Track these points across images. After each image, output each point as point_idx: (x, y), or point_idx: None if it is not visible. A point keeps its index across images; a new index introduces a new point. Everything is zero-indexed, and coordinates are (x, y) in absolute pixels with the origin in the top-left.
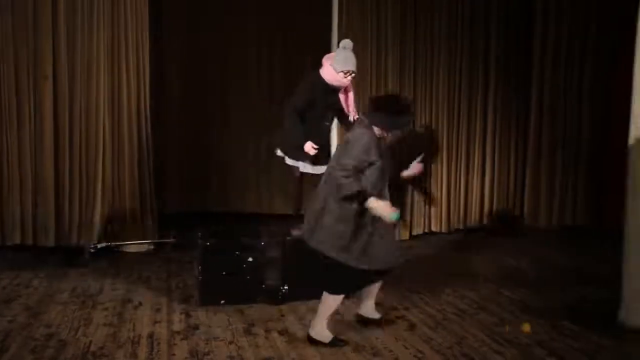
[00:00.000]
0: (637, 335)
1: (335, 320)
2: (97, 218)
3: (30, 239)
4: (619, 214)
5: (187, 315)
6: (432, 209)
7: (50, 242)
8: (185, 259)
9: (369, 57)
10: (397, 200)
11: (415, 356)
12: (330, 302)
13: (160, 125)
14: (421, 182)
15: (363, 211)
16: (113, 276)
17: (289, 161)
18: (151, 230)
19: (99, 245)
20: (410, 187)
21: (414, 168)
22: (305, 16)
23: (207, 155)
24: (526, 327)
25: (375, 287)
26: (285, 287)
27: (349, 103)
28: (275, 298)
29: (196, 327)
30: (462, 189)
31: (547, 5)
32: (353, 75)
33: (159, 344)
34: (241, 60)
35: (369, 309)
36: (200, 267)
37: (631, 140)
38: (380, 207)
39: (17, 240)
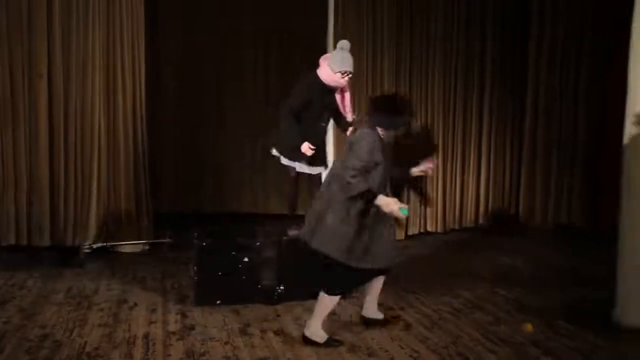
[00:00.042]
0: (632, 335)
1: (331, 320)
2: (93, 218)
3: (25, 239)
4: (614, 215)
5: (183, 315)
6: (428, 209)
7: (45, 242)
8: (181, 259)
9: (365, 58)
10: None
11: (410, 356)
12: (327, 302)
13: (156, 126)
14: (417, 182)
15: (366, 212)
16: (108, 276)
17: (284, 161)
18: (147, 230)
19: (94, 246)
20: (406, 188)
21: (425, 165)
22: (301, 17)
23: (203, 155)
24: (528, 327)
25: (377, 288)
26: (281, 287)
27: (345, 103)
28: (271, 298)
29: (192, 328)
30: (457, 189)
31: (543, 7)
32: (350, 75)
33: (154, 344)
34: (237, 61)
35: (372, 310)
36: (196, 267)
37: (625, 141)
38: (390, 203)
39: (12, 241)
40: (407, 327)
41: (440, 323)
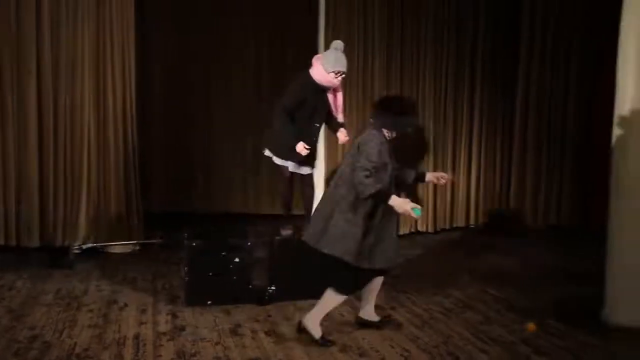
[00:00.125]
0: (620, 334)
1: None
2: (82, 218)
3: (13, 240)
4: (605, 214)
5: (174, 316)
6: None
7: (34, 242)
8: (171, 260)
9: (356, 59)
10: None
11: (401, 355)
12: (333, 299)
13: (147, 125)
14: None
15: (373, 213)
16: (98, 277)
17: (277, 161)
18: (137, 230)
19: (84, 246)
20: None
21: (439, 175)
22: (292, 17)
23: (194, 155)
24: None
25: (376, 289)
26: (272, 288)
27: (337, 104)
28: (262, 298)
29: (182, 328)
30: (448, 188)
31: (533, 9)
32: (343, 75)
33: (144, 345)
34: (227, 60)
35: (369, 312)
36: (186, 268)
37: (614, 141)
38: (402, 204)
39: (1, 241)
40: (398, 326)
41: (431, 322)
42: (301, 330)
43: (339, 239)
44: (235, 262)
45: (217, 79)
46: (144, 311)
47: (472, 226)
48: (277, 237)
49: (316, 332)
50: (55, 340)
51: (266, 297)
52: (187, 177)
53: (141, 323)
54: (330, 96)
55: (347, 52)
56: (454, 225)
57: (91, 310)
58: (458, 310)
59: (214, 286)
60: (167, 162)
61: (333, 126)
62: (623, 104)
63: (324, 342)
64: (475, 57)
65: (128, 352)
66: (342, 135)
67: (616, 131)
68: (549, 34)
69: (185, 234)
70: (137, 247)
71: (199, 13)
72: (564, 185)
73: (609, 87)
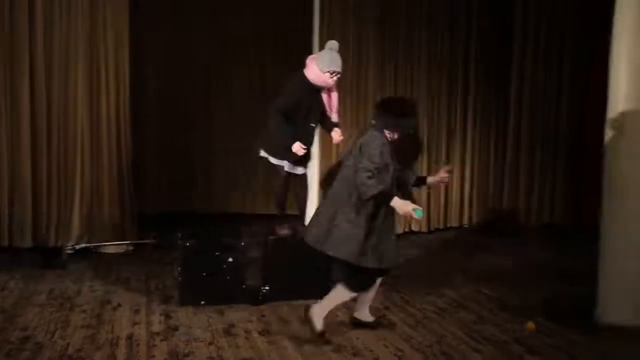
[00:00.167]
0: (612, 333)
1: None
2: (75, 218)
3: (6, 240)
4: (598, 213)
5: (167, 316)
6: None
7: (27, 243)
8: (165, 260)
9: (350, 59)
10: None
11: (395, 355)
12: (342, 294)
13: (141, 126)
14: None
15: (376, 214)
16: (91, 277)
17: (273, 161)
18: (130, 230)
19: (77, 246)
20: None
21: (441, 176)
22: (287, 16)
23: (188, 155)
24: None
25: (374, 290)
26: (266, 288)
27: (332, 104)
28: (255, 298)
29: (176, 328)
30: (441, 188)
31: (526, 9)
32: (338, 75)
33: (138, 345)
34: (223, 60)
35: (363, 312)
36: (180, 268)
37: (606, 142)
38: (404, 205)
39: None
40: (392, 326)
41: (425, 322)
42: (307, 320)
43: (343, 241)
44: (229, 262)
45: (213, 79)
46: (137, 311)
47: (465, 226)
48: (272, 237)
49: (318, 323)
50: (48, 341)
51: (260, 297)
52: (181, 178)
53: (134, 323)
54: (324, 96)
55: (342, 52)
56: (448, 225)
57: (84, 311)
58: (451, 309)
59: (208, 286)
60: (161, 163)
61: (327, 126)
62: (615, 104)
63: (321, 337)
64: (469, 57)
65: (121, 352)
66: (336, 134)
67: (608, 131)
68: (542, 33)
69: (179, 234)
70: (131, 248)
71: (193, 12)
72: (557, 185)
73: (602, 87)
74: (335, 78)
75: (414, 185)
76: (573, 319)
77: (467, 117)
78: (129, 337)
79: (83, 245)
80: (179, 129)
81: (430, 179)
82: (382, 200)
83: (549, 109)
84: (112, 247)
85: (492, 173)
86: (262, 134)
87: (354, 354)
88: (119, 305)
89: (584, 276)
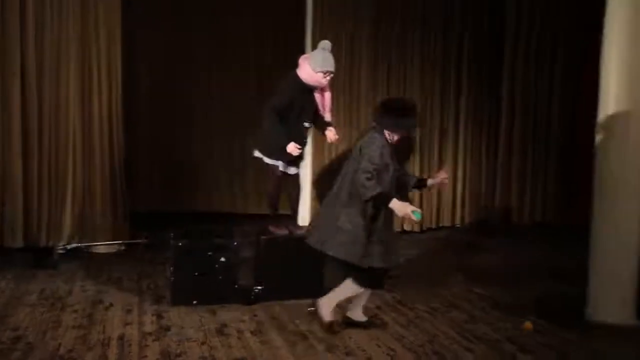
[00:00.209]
0: (603, 331)
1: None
2: (67, 218)
3: None
4: (589, 213)
5: (159, 316)
6: None
7: (18, 243)
8: (157, 260)
9: (343, 59)
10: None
11: (387, 354)
12: (350, 288)
13: (133, 125)
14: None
15: (376, 215)
16: (83, 277)
17: (268, 160)
18: (122, 230)
19: (68, 246)
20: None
21: (439, 178)
22: (279, 16)
23: (180, 154)
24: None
25: (367, 291)
26: (258, 287)
27: (325, 103)
28: (248, 298)
29: (168, 328)
30: (436, 188)
31: (518, 10)
32: (331, 75)
33: (130, 345)
34: (214, 60)
35: (356, 312)
36: (172, 268)
37: (597, 142)
38: (403, 207)
39: None
40: (384, 325)
41: (417, 322)
42: (315, 312)
43: (344, 242)
44: (221, 261)
45: (205, 79)
46: (129, 311)
47: (458, 226)
48: (264, 237)
49: (327, 315)
50: (39, 341)
51: (252, 297)
52: (174, 177)
53: (126, 323)
54: (317, 95)
55: (334, 52)
56: (440, 225)
57: (75, 311)
58: (443, 309)
59: (200, 286)
60: (153, 161)
61: (321, 125)
62: (606, 105)
63: (330, 327)
64: (462, 57)
65: (113, 352)
66: (331, 133)
67: (599, 132)
68: (534, 34)
69: (171, 234)
70: (122, 247)
71: (184, 11)
72: (549, 184)
73: (593, 87)
74: (328, 78)
75: (415, 187)
76: (565, 317)
77: (460, 117)
78: (121, 337)
79: (74, 245)
80: (172, 127)
81: (430, 181)
82: (381, 202)
83: (541, 109)
84: (104, 247)
85: (484, 173)
86: (257, 135)
87: (347, 354)
88: (111, 305)
89: (575, 275)
